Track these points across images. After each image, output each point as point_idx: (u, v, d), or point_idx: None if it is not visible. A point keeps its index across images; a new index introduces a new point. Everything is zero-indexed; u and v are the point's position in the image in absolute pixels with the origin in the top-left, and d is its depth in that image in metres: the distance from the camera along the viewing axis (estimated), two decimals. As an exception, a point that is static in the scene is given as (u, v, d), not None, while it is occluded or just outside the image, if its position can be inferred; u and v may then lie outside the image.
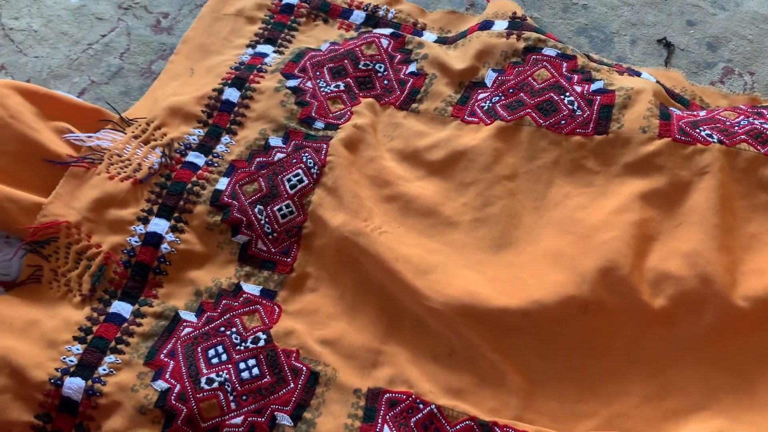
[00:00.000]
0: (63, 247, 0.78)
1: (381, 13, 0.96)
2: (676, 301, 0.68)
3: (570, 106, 0.78)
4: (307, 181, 0.81)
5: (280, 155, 0.83)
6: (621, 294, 0.68)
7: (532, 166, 0.77)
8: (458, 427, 0.65)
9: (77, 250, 0.78)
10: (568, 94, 0.79)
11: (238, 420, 0.68)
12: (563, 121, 0.77)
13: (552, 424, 0.66)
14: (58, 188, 0.80)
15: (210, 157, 0.85)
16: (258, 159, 0.84)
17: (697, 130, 0.74)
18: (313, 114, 0.86)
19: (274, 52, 0.94)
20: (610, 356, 0.69)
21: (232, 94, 0.89)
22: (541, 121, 0.78)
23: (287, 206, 0.80)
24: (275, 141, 0.85)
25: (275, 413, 0.68)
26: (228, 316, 0.75)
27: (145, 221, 0.80)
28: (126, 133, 0.86)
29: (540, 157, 0.77)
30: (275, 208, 0.80)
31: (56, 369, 0.71)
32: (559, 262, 0.71)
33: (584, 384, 0.68)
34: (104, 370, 0.71)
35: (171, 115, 0.87)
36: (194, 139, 0.86)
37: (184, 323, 0.75)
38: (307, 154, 0.82)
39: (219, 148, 0.86)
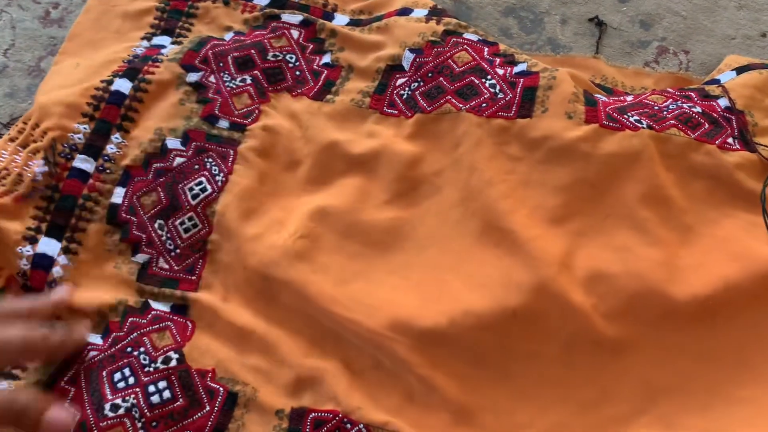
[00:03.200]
0: None
1: None
2: (609, 300, 0.67)
3: (492, 89, 0.76)
4: (210, 190, 0.76)
5: (179, 159, 0.78)
6: (550, 296, 0.67)
7: (455, 154, 0.75)
8: None
9: None
10: (489, 77, 0.77)
11: (148, 451, 0.65)
12: (484, 104, 0.75)
13: (489, 438, 0.64)
14: None
15: (100, 161, 0.79)
16: (155, 165, 0.78)
17: (626, 116, 0.73)
18: (217, 112, 0.81)
19: (172, 43, 0.89)
20: (544, 361, 0.67)
21: (122, 85, 0.82)
22: (461, 106, 0.76)
23: (190, 219, 0.76)
24: (173, 143, 0.79)
25: (189, 440, 0.66)
26: (135, 335, 0.71)
27: (32, 241, 0.75)
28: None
29: (462, 143, 0.75)
30: (177, 222, 0.76)
31: None
32: (484, 263, 0.70)
33: (519, 392, 0.67)
34: None
35: (51, 110, 0.79)
36: (80, 138, 0.79)
37: (89, 346, 0.71)
38: (210, 160, 0.77)
39: (110, 149, 0.79)
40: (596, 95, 0.77)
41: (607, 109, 0.73)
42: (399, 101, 0.79)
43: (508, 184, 0.72)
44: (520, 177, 0.73)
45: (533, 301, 0.67)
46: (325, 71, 0.84)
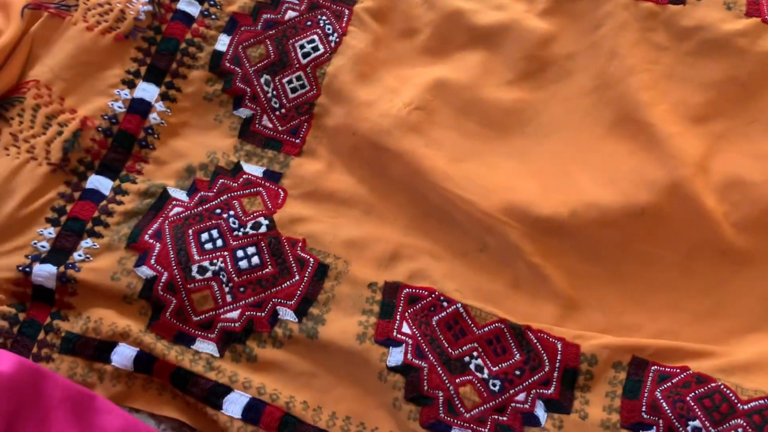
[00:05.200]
0: (29, 110, 0.70)
1: None
2: (743, 209, 0.62)
3: None
4: (323, 50, 0.73)
5: (291, 13, 0.75)
6: (682, 198, 0.63)
7: (593, 37, 0.70)
8: (486, 329, 0.61)
9: (47, 114, 0.70)
10: None
11: (235, 314, 0.63)
12: None
13: (594, 336, 0.62)
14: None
15: (206, 5, 0.76)
16: (265, 15, 0.75)
17: (791, 12, 0.67)
18: None
19: None
20: (663, 266, 0.64)
21: None
22: None
23: (298, 78, 0.73)
24: None
25: (277, 307, 0.63)
26: (225, 197, 0.69)
27: (130, 85, 0.72)
28: None
29: (603, 25, 0.70)
30: (284, 80, 0.73)
31: (26, 256, 0.65)
32: (613, 156, 0.66)
33: (630, 294, 0.64)
34: (80, 255, 0.65)
35: None
36: None
37: (174, 201, 0.69)
38: (324, 18, 0.74)
39: None
40: (754, -13, 0.70)
41: (770, 3, 0.67)
42: None
43: (650, 75, 0.67)
44: (664, 68, 0.68)
45: (664, 201, 0.63)
46: None
